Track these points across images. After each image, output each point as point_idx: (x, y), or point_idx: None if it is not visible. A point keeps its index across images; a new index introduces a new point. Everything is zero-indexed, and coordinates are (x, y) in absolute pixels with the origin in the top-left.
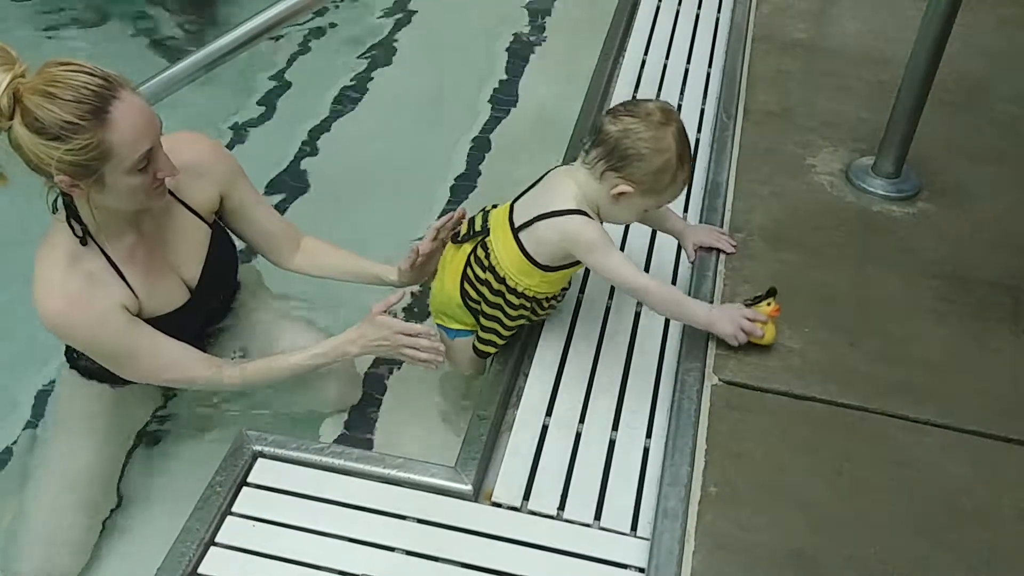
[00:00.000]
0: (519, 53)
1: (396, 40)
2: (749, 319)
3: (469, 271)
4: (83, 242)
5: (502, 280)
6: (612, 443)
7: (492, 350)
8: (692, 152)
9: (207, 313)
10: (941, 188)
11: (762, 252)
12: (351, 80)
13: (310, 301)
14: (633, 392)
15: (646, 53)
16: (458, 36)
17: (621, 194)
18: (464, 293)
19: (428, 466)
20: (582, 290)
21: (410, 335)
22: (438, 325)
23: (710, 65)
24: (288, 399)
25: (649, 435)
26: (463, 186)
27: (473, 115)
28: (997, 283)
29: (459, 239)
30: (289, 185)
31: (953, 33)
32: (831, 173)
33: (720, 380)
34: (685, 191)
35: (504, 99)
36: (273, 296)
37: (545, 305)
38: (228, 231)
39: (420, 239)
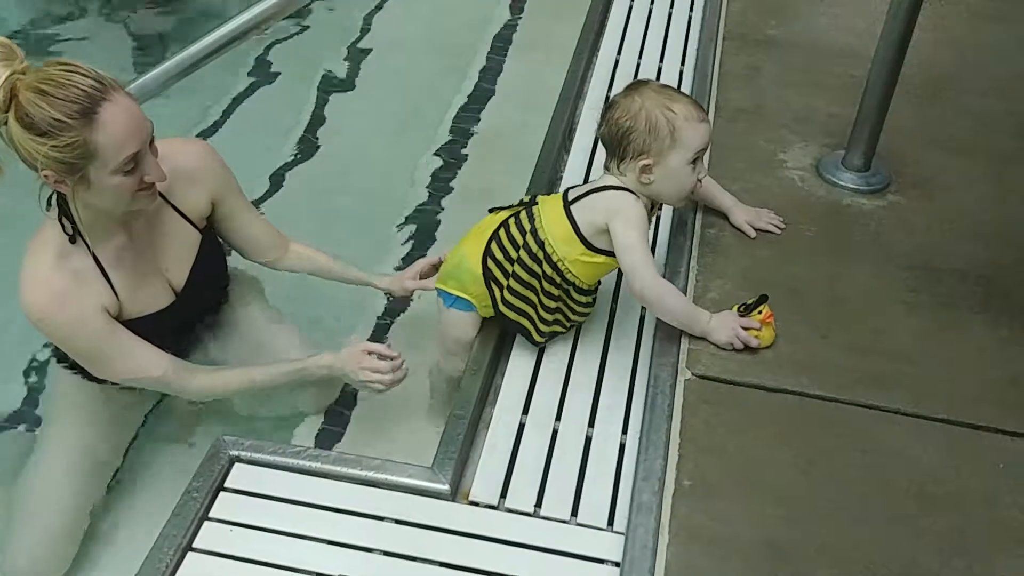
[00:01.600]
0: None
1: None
2: (744, 327)
3: (502, 232)
4: (72, 240)
5: (541, 244)
6: (588, 439)
7: (523, 321)
8: (680, 91)
9: (192, 315)
10: (911, 180)
11: (734, 248)
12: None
13: (299, 302)
14: (609, 388)
15: (619, 53)
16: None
17: (647, 169)
18: (488, 253)
19: (405, 467)
20: None
21: (374, 369)
22: (438, 290)
23: (683, 63)
24: (266, 400)
25: (625, 431)
26: (440, 187)
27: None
28: (967, 273)
29: (494, 209)
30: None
31: (922, 26)
32: (802, 168)
33: (693, 374)
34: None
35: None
36: (262, 298)
37: (575, 297)
38: (217, 237)
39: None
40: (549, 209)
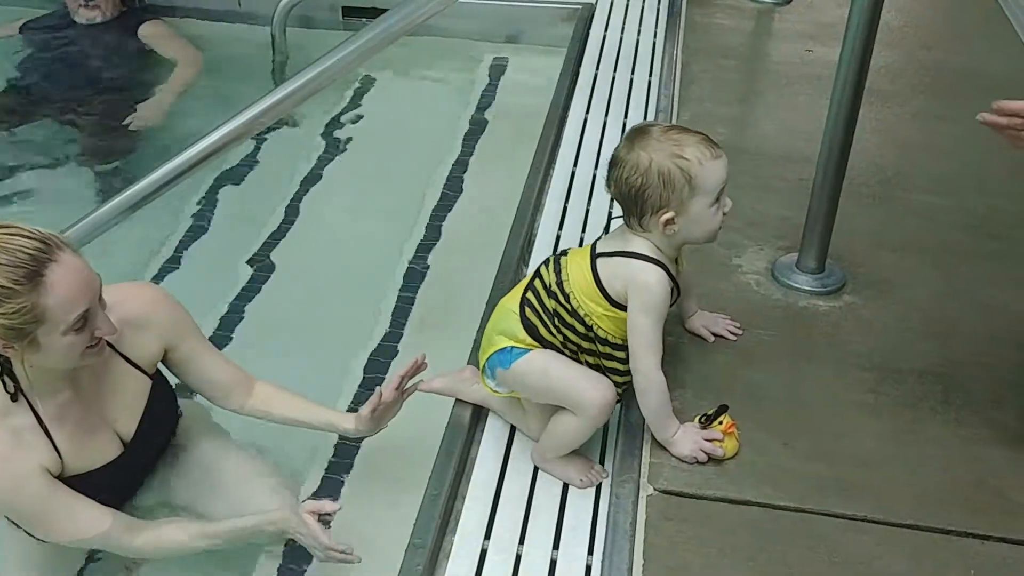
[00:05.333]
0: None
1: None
2: (707, 439)
3: (536, 282)
4: (13, 398)
5: (567, 297)
6: (553, 563)
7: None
8: (685, 128)
9: (143, 463)
10: (865, 280)
11: (693, 355)
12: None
13: (256, 433)
14: (573, 507)
15: (575, 164)
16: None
17: (670, 222)
18: (526, 302)
19: None
20: None
21: (326, 548)
22: (487, 365)
23: None
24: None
25: (591, 552)
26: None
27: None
28: (926, 372)
29: None
30: None
31: (869, 127)
32: (757, 272)
33: (655, 489)
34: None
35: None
36: (213, 428)
37: (608, 352)
38: (169, 382)
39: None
40: (575, 264)
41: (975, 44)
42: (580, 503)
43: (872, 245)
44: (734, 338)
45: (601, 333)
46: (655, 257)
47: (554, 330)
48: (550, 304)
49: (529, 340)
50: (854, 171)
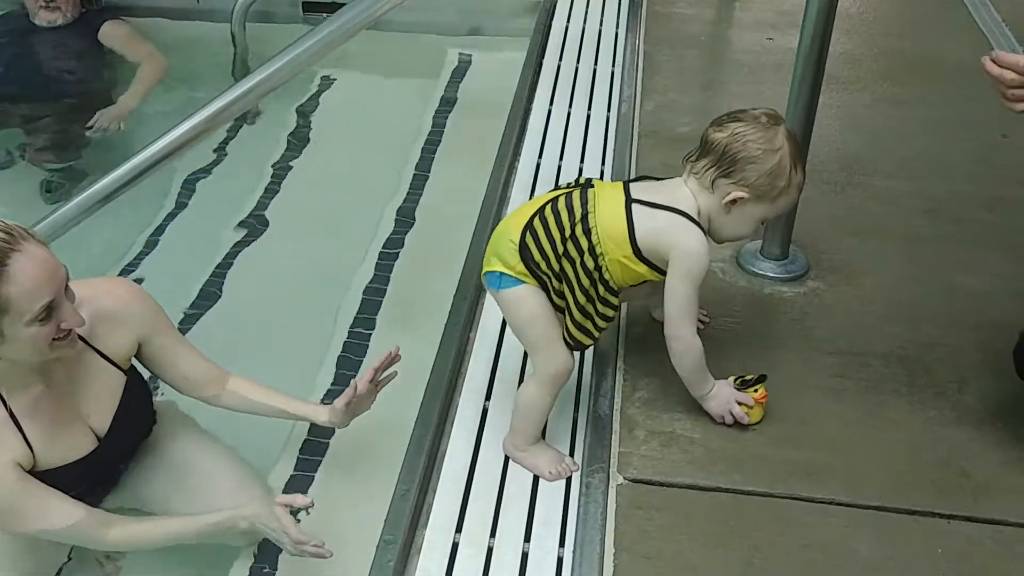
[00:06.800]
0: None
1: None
2: (739, 402)
3: (548, 209)
4: None
5: (587, 233)
6: (525, 556)
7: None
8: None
9: (118, 458)
10: (828, 265)
11: (659, 344)
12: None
13: (227, 428)
14: (544, 498)
15: (540, 156)
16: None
17: (734, 201)
18: (529, 227)
19: None
20: (488, 397)
21: (295, 541)
22: (487, 274)
23: (603, 163)
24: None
25: (563, 543)
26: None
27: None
28: (889, 355)
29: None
30: None
31: (830, 113)
32: (722, 260)
33: (625, 479)
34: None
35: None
36: (189, 426)
37: (603, 296)
38: (144, 377)
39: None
40: (607, 201)
41: (933, 30)
42: (551, 494)
43: (835, 231)
44: (701, 326)
45: (607, 275)
46: (700, 222)
47: (553, 261)
48: (560, 247)
49: (520, 268)
50: (816, 157)
